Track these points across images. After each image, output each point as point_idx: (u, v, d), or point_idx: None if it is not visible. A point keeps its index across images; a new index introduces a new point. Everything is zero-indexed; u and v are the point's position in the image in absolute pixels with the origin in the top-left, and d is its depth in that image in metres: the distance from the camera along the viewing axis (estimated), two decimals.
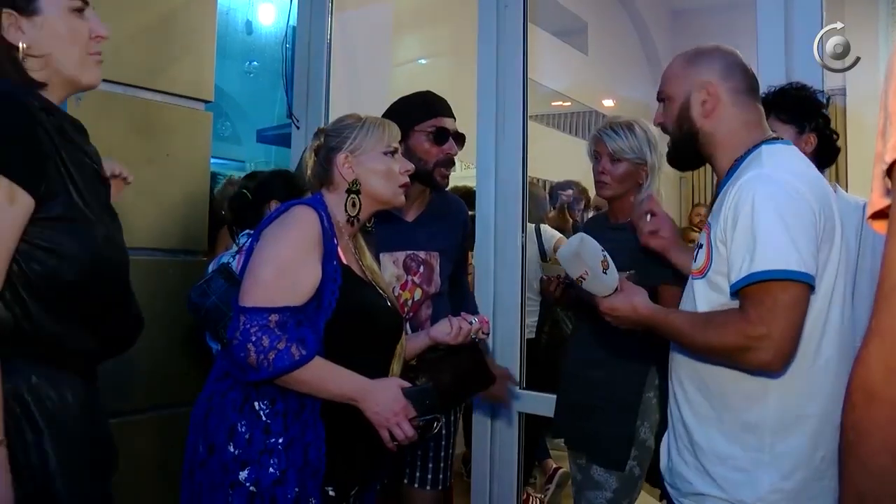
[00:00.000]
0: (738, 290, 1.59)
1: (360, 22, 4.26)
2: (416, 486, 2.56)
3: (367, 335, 1.92)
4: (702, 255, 1.73)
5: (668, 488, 1.84)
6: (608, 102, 8.16)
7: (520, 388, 3.06)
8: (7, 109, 1.36)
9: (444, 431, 2.56)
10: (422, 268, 2.46)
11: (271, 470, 1.75)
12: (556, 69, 7.12)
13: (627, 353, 2.35)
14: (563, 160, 6.46)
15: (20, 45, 1.45)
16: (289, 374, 1.73)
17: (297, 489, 1.75)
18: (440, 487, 2.60)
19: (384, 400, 1.79)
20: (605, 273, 1.83)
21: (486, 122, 3.20)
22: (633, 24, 7.95)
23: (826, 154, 2.28)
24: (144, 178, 1.69)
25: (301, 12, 4.00)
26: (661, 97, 1.89)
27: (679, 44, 7.80)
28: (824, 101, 2.27)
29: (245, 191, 2.92)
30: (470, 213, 2.90)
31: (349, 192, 1.95)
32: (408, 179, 2.03)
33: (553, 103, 7.99)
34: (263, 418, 1.79)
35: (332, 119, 3.72)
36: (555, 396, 2.66)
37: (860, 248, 2.18)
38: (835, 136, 2.30)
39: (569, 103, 8.05)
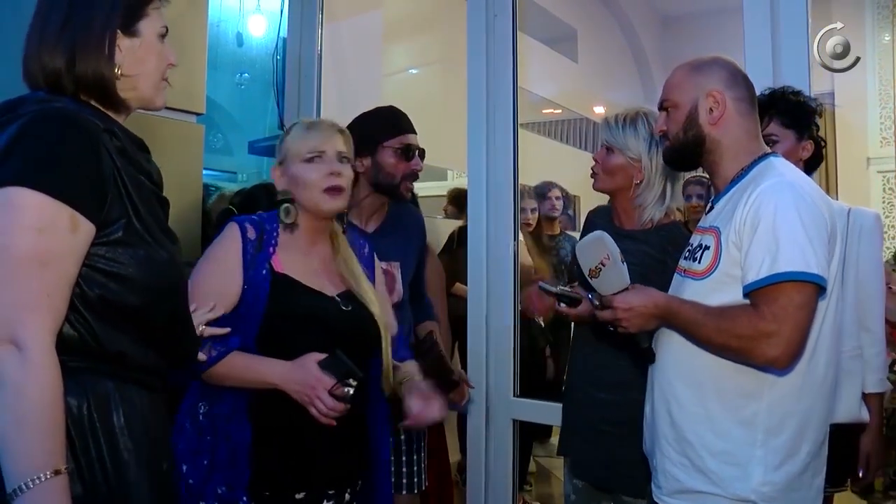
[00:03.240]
0: (752, 291, 1.63)
1: (349, 32, 4.28)
2: (398, 492, 2.58)
3: (313, 340, 1.88)
4: (707, 257, 1.76)
5: (653, 487, 1.86)
6: (599, 109, 8.16)
7: (514, 396, 3.07)
8: (71, 134, 1.34)
9: (413, 434, 2.59)
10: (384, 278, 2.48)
11: (200, 469, 1.83)
12: (547, 77, 7.14)
13: (634, 373, 2.12)
14: (555, 167, 6.47)
15: (117, 66, 1.45)
16: (204, 372, 1.82)
17: (222, 489, 1.81)
18: (415, 491, 2.65)
19: (299, 377, 1.81)
20: (623, 263, 1.83)
21: (477, 131, 3.21)
22: (622, 30, 7.98)
23: (815, 161, 2.31)
24: None
25: (291, 24, 4.02)
26: (665, 106, 1.89)
27: (669, 50, 7.84)
28: (816, 107, 2.28)
29: (231, 206, 2.98)
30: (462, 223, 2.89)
31: (279, 202, 1.97)
32: (336, 183, 1.95)
33: (544, 111, 8.00)
34: (200, 418, 1.88)
35: None
36: (547, 404, 2.63)
37: (846, 255, 2.20)
38: (822, 143, 2.32)
39: (559, 111, 8.07)
